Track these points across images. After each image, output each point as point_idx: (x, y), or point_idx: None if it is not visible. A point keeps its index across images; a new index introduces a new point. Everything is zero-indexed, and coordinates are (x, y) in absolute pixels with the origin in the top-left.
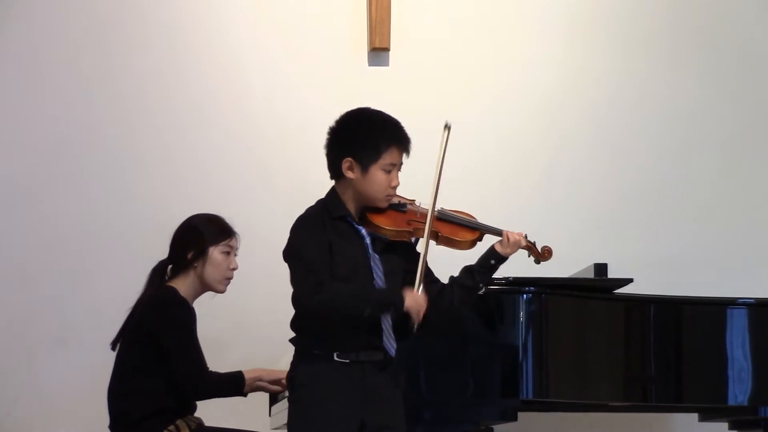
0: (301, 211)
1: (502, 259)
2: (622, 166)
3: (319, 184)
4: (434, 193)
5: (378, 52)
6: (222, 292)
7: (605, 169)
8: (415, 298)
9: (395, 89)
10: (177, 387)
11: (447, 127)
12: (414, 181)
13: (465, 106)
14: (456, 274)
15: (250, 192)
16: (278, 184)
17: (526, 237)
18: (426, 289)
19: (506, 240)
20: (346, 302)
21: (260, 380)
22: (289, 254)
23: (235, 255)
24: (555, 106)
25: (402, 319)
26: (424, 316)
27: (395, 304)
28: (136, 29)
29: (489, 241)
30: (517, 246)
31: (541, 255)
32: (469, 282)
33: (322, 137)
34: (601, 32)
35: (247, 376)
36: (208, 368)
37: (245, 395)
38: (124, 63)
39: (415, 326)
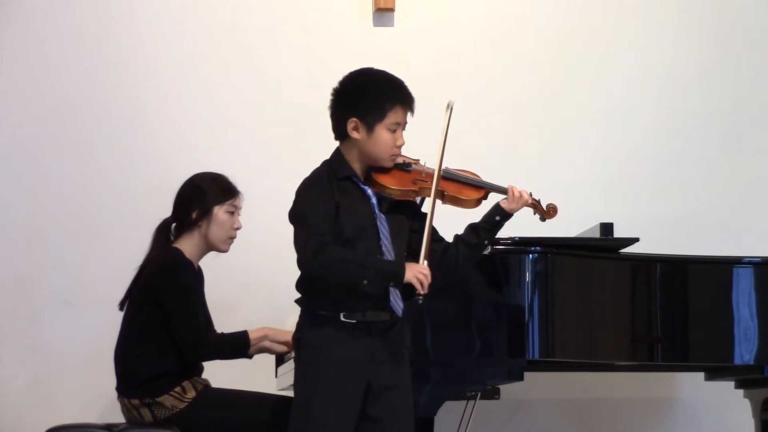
0: (306, 172)
1: (506, 215)
2: (629, 125)
3: (324, 145)
4: (440, 154)
5: (383, 12)
6: (225, 251)
7: (612, 128)
8: (417, 270)
9: (400, 50)
10: (179, 349)
11: (449, 106)
12: (419, 143)
13: (470, 66)
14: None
15: (255, 153)
16: (283, 145)
17: (531, 195)
18: (429, 253)
19: (512, 195)
20: (347, 268)
21: (266, 339)
22: (294, 216)
23: (239, 215)
24: (562, 67)
25: (405, 289)
26: (430, 285)
27: (396, 274)
28: None
29: (494, 200)
30: (522, 202)
31: (547, 213)
32: (473, 239)
33: (327, 98)
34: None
35: (252, 335)
36: (214, 330)
37: (250, 357)
38: (127, 23)
39: (421, 298)
